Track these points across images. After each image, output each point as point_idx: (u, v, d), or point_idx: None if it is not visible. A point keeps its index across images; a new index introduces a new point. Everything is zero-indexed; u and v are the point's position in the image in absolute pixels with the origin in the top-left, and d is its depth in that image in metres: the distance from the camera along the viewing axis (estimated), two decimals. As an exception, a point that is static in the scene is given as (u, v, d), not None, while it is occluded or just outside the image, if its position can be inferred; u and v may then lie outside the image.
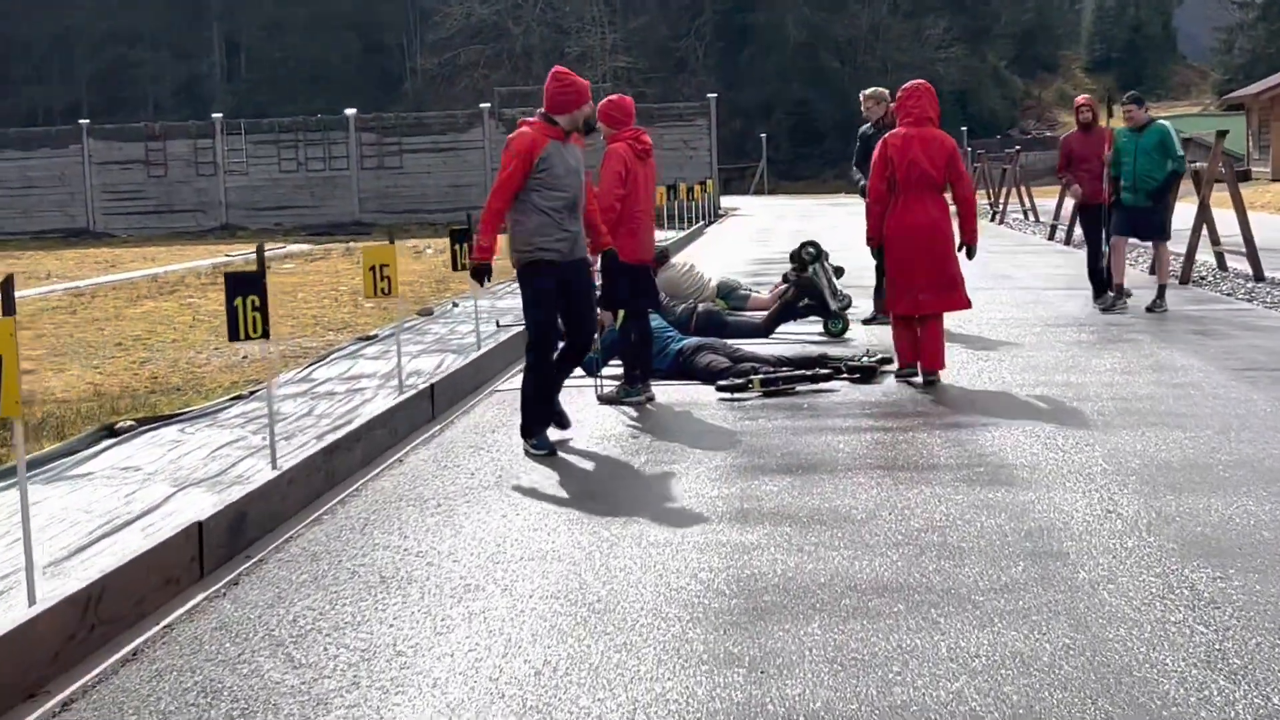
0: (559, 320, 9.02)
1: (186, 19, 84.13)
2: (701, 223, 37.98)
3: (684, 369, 11.41)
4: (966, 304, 11.31)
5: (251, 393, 10.95)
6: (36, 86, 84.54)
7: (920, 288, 10.83)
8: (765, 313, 14.38)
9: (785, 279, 14.66)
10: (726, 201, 52.07)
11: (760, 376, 10.59)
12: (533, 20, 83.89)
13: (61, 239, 41.51)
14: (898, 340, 11.13)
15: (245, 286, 7.71)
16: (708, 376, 11.05)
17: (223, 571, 6.37)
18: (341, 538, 6.88)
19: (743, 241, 31.73)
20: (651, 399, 10.48)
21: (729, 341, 12.18)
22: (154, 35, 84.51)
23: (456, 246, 12.66)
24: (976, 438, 8.76)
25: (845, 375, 11.03)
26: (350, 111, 44.00)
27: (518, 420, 9.03)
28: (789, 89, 79.72)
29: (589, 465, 8.43)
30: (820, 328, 14.10)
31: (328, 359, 12.96)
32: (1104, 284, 15.71)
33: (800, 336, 13.91)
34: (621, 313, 10.53)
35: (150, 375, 12.49)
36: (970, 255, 11.23)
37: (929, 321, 11.00)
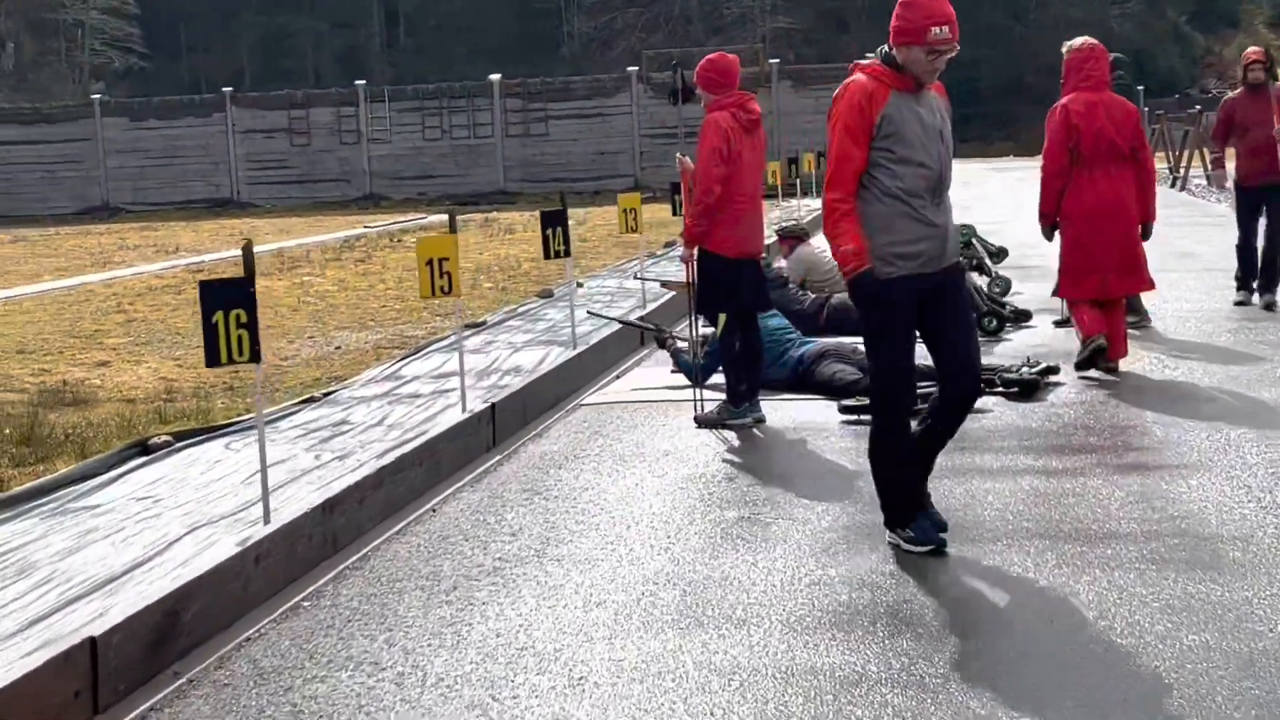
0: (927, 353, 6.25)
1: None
2: (858, 191, 35.59)
3: (805, 380, 9.67)
4: (1151, 285, 10.36)
5: (326, 394, 9.65)
6: (200, 55, 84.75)
7: (1109, 269, 9.78)
8: None
9: None
10: (887, 167, 49.47)
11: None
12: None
13: (205, 209, 40.66)
14: (1080, 321, 9.82)
15: (228, 297, 6.04)
16: (832, 391, 9.33)
17: (123, 708, 4.66)
18: (310, 643, 5.14)
19: (899, 211, 29.33)
20: (761, 421, 8.72)
21: (862, 345, 10.22)
22: (314, 3, 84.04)
23: (549, 231, 10.90)
24: (1166, 490, 6.74)
25: (1000, 391, 9.10)
26: (495, 77, 42.32)
27: (595, 449, 7.69)
28: (955, 48, 76.69)
29: (660, 525, 6.55)
30: None
31: (423, 351, 11.55)
32: (1253, 274, 12.98)
33: None
34: (722, 319, 8.78)
35: (232, 369, 11.04)
36: (1146, 234, 10.03)
37: (1112, 308, 9.92)
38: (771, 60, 43.61)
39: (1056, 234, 10.14)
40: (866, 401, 8.17)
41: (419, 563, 6.07)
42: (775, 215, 26.23)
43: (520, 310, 14.21)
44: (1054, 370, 9.49)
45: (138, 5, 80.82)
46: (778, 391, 9.51)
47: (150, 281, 20.23)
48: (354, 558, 6.18)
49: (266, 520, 6.01)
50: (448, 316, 14.10)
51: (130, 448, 8.12)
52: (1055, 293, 10.99)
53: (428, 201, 40.33)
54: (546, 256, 11.05)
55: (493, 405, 8.45)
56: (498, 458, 8.07)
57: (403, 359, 11.13)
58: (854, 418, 8.56)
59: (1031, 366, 9.35)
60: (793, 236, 14.35)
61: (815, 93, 40.48)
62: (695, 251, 8.68)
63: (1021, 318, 11.99)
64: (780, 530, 6.31)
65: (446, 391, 9.29)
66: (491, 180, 41.36)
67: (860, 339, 11.01)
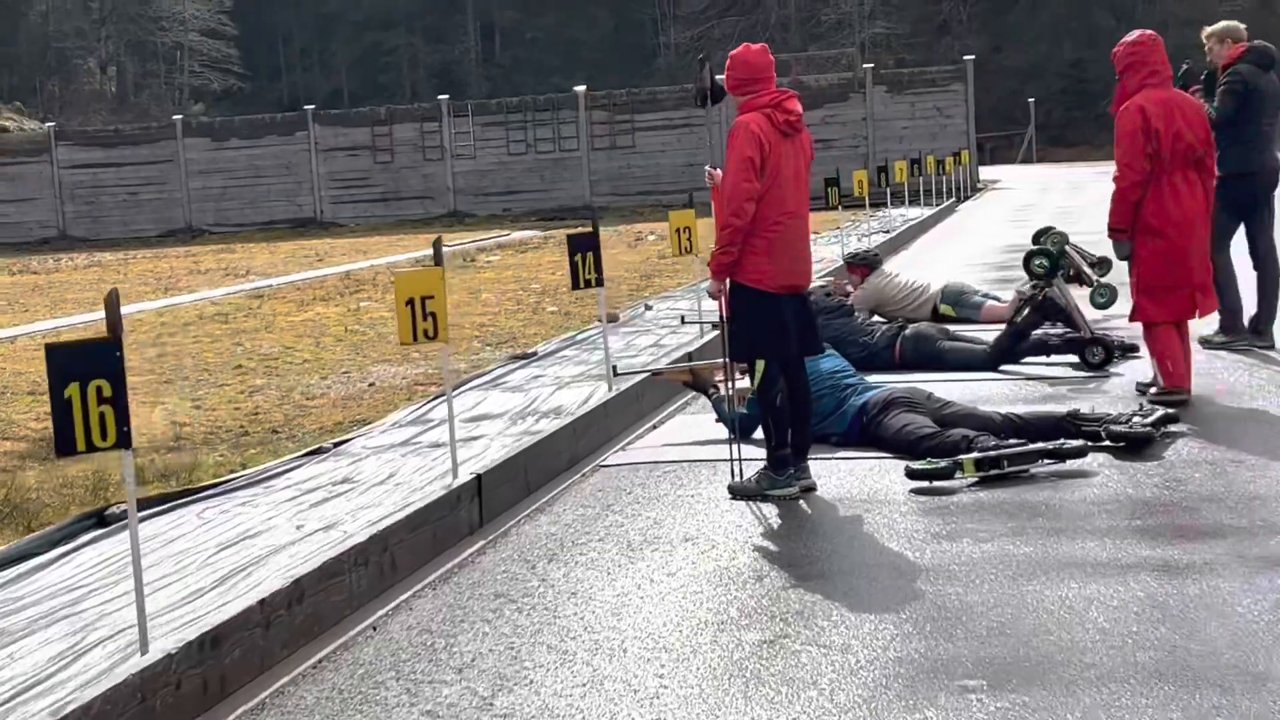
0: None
1: (441, 2, 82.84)
2: (953, 199, 33.71)
3: (870, 434, 7.95)
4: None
5: (337, 444, 8.39)
6: (299, 74, 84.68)
7: (1198, 286, 8.76)
8: (1001, 330, 10.50)
9: (1020, 295, 10.91)
10: (986, 173, 47.35)
11: (975, 456, 7.09)
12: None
13: (289, 229, 39.61)
14: (1166, 354, 8.72)
15: (87, 365, 4.63)
16: (902, 447, 7.63)
17: None
18: None
19: (996, 222, 27.33)
20: (810, 490, 7.13)
21: (936, 389, 8.50)
22: (409, 20, 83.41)
23: (578, 258, 9.35)
24: (1332, 598, 5.06)
25: (1107, 445, 7.44)
26: (579, 89, 40.94)
27: (600, 531, 6.60)
28: (1060, 49, 74.05)
29: (655, 654, 4.93)
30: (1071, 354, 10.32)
31: (462, 388, 10.21)
32: None
33: (1040, 374, 10.01)
34: (761, 366, 7.09)
35: (251, 410, 10.13)
36: None
37: (1185, 337, 8.90)
38: (865, 65, 41.87)
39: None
40: (941, 464, 7.09)
41: (324, 720, 4.54)
42: (871, 226, 24.66)
43: (580, 338, 12.77)
44: (1171, 419, 7.85)
45: (236, 27, 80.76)
46: (835, 449, 7.92)
47: (203, 309, 19.11)
48: (241, 709, 4.66)
49: (144, 650, 4.55)
50: (501, 346, 12.79)
51: (85, 518, 6.88)
52: (1133, 317, 9.13)
53: (512, 218, 39.11)
54: (575, 287, 9.54)
55: (478, 477, 6.88)
56: (480, 544, 6.54)
57: (434, 399, 9.70)
58: (924, 484, 6.95)
59: (1145, 415, 7.66)
60: (863, 264, 12.75)
61: (910, 98, 38.74)
62: (726, 284, 7.14)
63: (1130, 351, 10.14)
64: (810, 664, 4.69)
65: (473, 440, 8.01)
66: (577, 194, 39.99)
67: (940, 376, 9.54)
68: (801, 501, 7.02)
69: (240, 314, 17.93)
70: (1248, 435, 7.81)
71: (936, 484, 6.95)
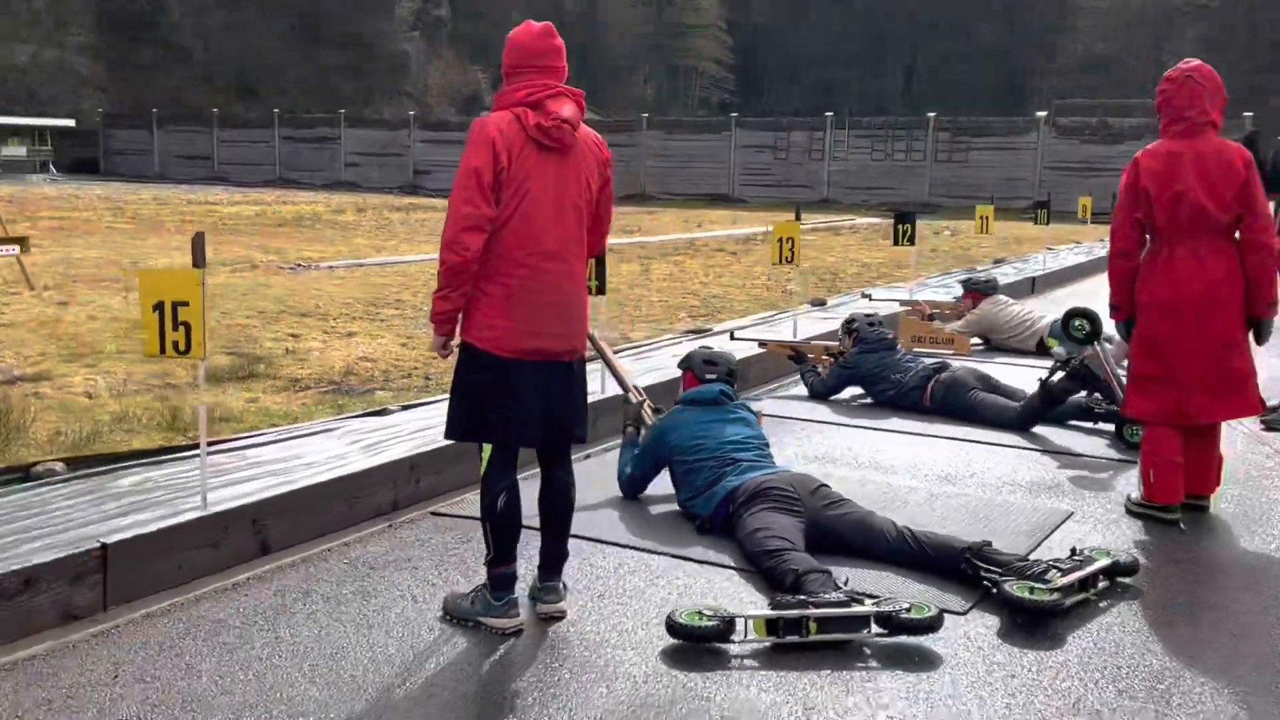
0: None
1: (876, 43, 79.51)
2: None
3: (730, 526, 4.85)
4: (1258, 407, 5.36)
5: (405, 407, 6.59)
6: (776, 96, 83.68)
7: (1190, 385, 5.21)
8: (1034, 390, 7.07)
9: (1055, 358, 7.34)
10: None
11: (767, 614, 3.90)
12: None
13: (707, 202, 39.12)
14: (1150, 459, 5.26)
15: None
16: (747, 554, 4.60)
17: None
18: None
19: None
20: (558, 617, 4.12)
21: (940, 444, 6.19)
22: (847, 61, 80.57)
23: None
24: None
25: (1001, 601, 4.16)
26: (930, 115, 38.29)
27: (221, 644, 3.82)
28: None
29: None
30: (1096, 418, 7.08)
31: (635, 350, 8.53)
32: None
33: (1066, 446, 6.66)
34: (486, 452, 4.03)
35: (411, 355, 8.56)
36: (1261, 337, 5.27)
37: (1202, 438, 5.34)
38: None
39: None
40: (710, 622, 3.81)
41: None
42: (1058, 261, 18.52)
43: (779, 317, 10.49)
44: (1122, 570, 4.45)
45: (734, 59, 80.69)
46: (680, 544, 4.79)
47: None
48: None
49: None
50: (697, 318, 11.02)
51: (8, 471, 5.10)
52: (1120, 409, 6.12)
53: (868, 207, 36.95)
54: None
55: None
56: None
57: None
58: (685, 643, 3.85)
59: (1069, 570, 4.26)
60: (977, 290, 9.89)
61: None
62: (454, 343, 3.97)
63: None
64: None
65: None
66: (918, 194, 37.40)
67: (962, 432, 6.76)
68: (552, 623, 4.05)
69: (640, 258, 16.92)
70: (1231, 607, 4.33)
71: (783, 638, 3.83)
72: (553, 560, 4.17)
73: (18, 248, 12.18)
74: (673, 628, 3.82)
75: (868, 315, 7.94)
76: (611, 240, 21.89)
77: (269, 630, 4.01)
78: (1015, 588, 4.10)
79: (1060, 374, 6.92)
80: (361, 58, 59.90)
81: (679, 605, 4.10)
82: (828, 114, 40.06)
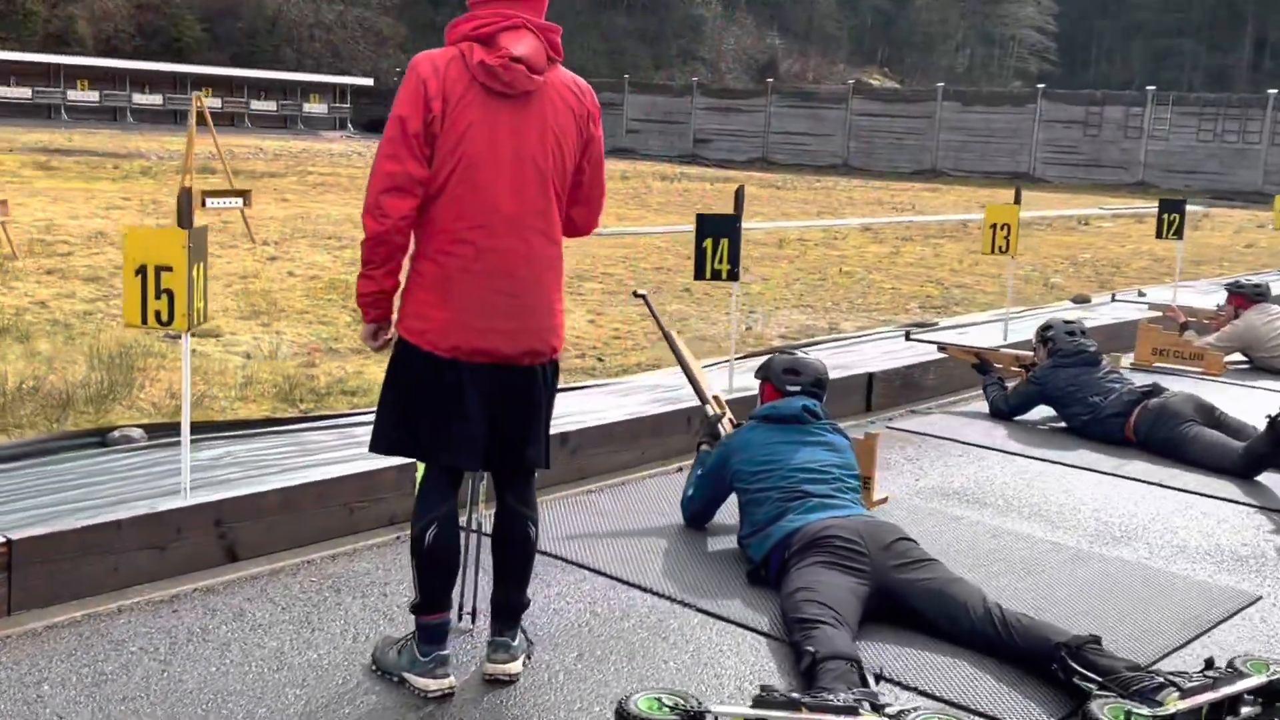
0: None
1: (1226, 15, 72.09)
2: None
3: (781, 580, 3.75)
4: None
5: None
6: (1102, 66, 77.91)
7: None
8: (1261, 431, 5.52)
9: None
10: None
11: (804, 717, 2.79)
12: None
13: (1006, 180, 36.41)
14: None
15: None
16: (786, 626, 3.51)
17: None
18: None
19: None
20: (503, 680, 3.22)
21: (1132, 487, 5.03)
22: (1198, 30, 73.50)
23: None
24: None
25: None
26: (1272, 91, 33.87)
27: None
28: None
29: None
30: None
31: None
32: None
33: None
34: (420, 470, 3.17)
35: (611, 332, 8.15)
36: None
37: None
38: None
39: None
40: (778, 712, 2.84)
41: None
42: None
43: (1012, 313, 9.08)
44: None
45: (1058, 25, 75.60)
46: (723, 594, 3.88)
47: (782, 235, 16.92)
48: None
49: None
50: (929, 309, 10.14)
51: (82, 434, 4.84)
52: None
53: (1191, 194, 33.34)
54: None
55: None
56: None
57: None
58: None
59: (1203, 685, 3.02)
60: (1242, 294, 8.22)
61: None
62: (391, 337, 3.15)
63: None
64: None
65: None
66: (1251, 181, 33.35)
67: (1161, 475, 5.41)
68: (455, 706, 3.12)
69: (810, 247, 15.88)
70: None
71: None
72: (507, 612, 3.31)
73: (241, 200, 12.52)
74: (623, 718, 2.90)
75: (1068, 322, 6.47)
76: (871, 219, 20.65)
77: (158, 661, 3.41)
78: (1107, 709, 2.95)
79: None
80: (655, 22, 60.16)
81: (643, 687, 3.21)
82: (1149, 88, 36.39)
